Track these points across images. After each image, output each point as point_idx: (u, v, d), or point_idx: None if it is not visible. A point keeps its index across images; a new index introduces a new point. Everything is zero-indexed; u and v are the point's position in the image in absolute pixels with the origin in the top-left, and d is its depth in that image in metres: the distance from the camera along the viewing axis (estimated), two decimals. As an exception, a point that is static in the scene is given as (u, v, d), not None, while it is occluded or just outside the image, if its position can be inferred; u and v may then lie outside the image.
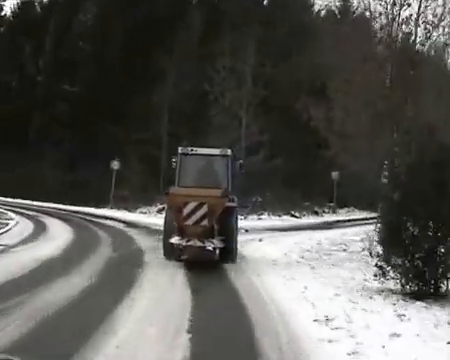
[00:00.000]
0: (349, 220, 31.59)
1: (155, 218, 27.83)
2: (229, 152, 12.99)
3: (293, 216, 31.85)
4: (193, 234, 11.27)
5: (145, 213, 31.03)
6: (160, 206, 30.72)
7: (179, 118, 34.44)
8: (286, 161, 32.45)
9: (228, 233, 11.88)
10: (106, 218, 26.78)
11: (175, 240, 11.37)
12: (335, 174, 33.74)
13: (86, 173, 34.34)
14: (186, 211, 11.14)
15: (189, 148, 12.92)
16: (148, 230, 21.17)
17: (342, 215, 35.54)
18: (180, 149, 12.94)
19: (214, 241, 11.44)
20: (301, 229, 24.11)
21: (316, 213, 34.57)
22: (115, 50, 38.59)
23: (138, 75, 36.72)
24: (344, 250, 15.68)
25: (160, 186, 33.20)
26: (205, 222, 11.20)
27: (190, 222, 11.21)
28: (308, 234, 20.90)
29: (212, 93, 31.79)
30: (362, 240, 15.85)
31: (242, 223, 17.34)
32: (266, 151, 31.32)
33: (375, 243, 9.94)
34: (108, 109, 36.28)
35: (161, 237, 12.96)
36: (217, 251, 12.06)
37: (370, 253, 9.66)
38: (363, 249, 12.96)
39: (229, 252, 12.00)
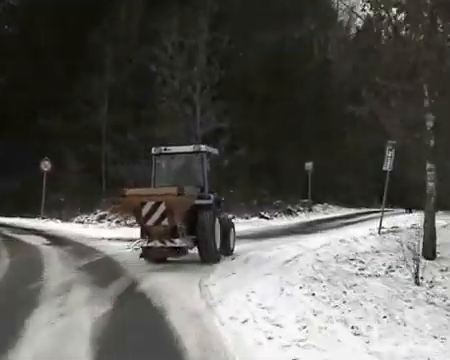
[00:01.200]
0: (331, 219, 27.03)
1: (94, 229, 22.64)
2: (203, 148, 12.67)
3: (263, 217, 26.80)
4: (156, 235, 11.21)
5: (83, 222, 25.58)
6: (101, 213, 25.47)
7: (122, 107, 29.05)
8: (251, 152, 27.62)
9: (201, 232, 11.67)
10: (29, 230, 21.70)
11: (137, 243, 11.55)
12: (309, 165, 29.13)
13: (14, 176, 28.41)
14: (144, 212, 11.07)
15: (162, 147, 12.77)
16: (79, 249, 16.10)
17: (319, 213, 30.92)
18: (153, 149, 12.84)
19: (176, 241, 11.16)
20: (277, 235, 19.38)
21: (290, 212, 29.33)
22: (46, 33, 32.73)
23: (73, 60, 30.98)
24: (377, 275, 10.26)
25: (102, 188, 28.04)
26: (165, 222, 11.04)
27: (151, 222, 11.15)
28: (291, 243, 15.97)
29: (159, 75, 26.51)
30: (378, 252, 12.57)
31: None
32: (226, 141, 26.40)
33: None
34: (40, 101, 30.36)
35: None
36: (184, 251, 11.60)
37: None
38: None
39: (205, 253, 11.85)
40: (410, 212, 30.21)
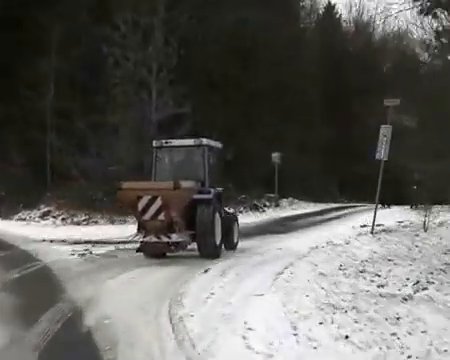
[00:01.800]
0: (302, 216, 24.88)
1: (36, 228, 19.94)
2: (205, 141, 12.35)
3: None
4: (152, 229, 11.08)
5: (24, 220, 22.72)
6: (45, 209, 22.67)
7: (69, 91, 26.15)
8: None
9: (201, 227, 11.43)
10: None
11: (133, 237, 11.38)
12: (276, 156, 26.87)
13: None
14: (141, 206, 10.98)
15: (163, 141, 12.60)
16: (11, 255, 13.54)
17: (286, 209, 28.69)
18: (154, 142, 12.68)
19: (172, 236, 11.01)
20: (249, 235, 16.53)
21: (256, 208, 26.95)
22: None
23: (15, 39, 27.80)
24: (409, 297, 7.56)
25: (47, 181, 25.17)
26: (162, 216, 10.95)
27: (147, 217, 11.06)
28: (270, 246, 13.81)
29: (111, 56, 23.80)
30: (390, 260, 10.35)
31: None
32: (186, 128, 24.02)
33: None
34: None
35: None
36: (181, 246, 11.50)
37: None
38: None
39: (203, 248, 11.62)
40: (388, 207, 28.35)
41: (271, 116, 31.08)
